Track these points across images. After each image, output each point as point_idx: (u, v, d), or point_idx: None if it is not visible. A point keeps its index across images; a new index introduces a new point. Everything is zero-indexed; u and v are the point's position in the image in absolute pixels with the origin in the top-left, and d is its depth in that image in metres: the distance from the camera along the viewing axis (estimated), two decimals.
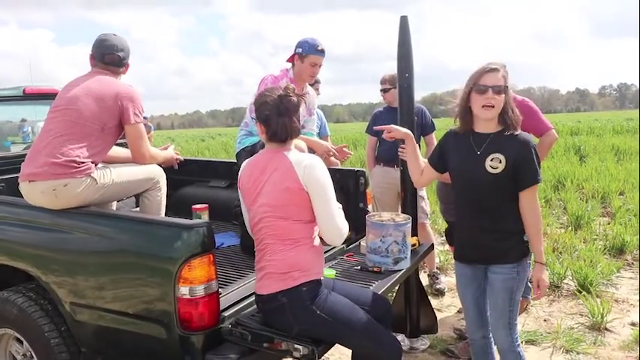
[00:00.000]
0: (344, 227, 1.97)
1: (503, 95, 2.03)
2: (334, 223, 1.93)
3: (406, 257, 2.54)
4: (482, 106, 2.03)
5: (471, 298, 2.28)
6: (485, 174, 2.05)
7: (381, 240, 2.49)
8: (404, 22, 2.84)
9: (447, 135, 2.25)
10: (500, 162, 2.03)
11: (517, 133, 2.07)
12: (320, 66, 3.13)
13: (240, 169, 2.09)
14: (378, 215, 2.69)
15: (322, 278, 2.00)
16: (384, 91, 4.07)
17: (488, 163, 2.04)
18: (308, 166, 1.89)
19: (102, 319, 2.03)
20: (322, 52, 3.08)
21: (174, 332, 1.87)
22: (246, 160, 2.11)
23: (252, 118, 3.12)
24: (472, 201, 2.13)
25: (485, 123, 2.09)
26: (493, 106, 2.02)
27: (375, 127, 2.73)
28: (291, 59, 3.12)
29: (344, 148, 3.13)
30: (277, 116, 1.93)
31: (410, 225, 2.56)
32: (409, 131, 2.49)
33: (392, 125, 2.48)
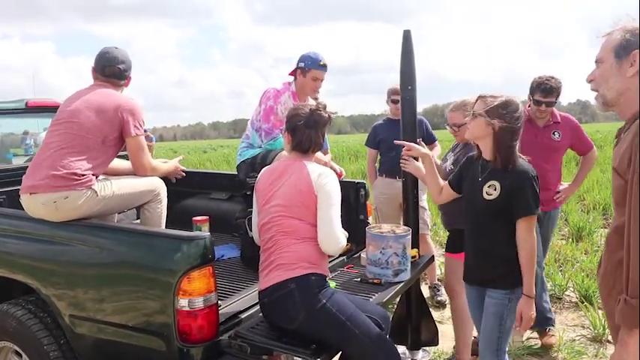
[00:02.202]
0: (341, 238, 2.04)
1: (479, 122, 2.09)
2: (333, 229, 2.01)
3: (406, 269, 2.53)
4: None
5: (480, 319, 2.25)
6: (482, 199, 2.09)
7: (380, 252, 2.49)
8: (407, 35, 2.87)
9: (467, 159, 2.31)
10: (495, 189, 2.06)
11: (518, 164, 2.08)
12: (322, 80, 3.14)
13: (260, 174, 2.23)
14: (378, 227, 2.69)
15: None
16: (393, 102, 3.97)
17: (485, 189, 2.09)
18: (322, 174, 2.05)
19: (101, 332, 2.03)
20: (324, 67, 3.09)
21: (173, 345, 1.86)
22: (266, 167, 2.26)
23: (255, 130, 3.15)
24: (473, 224, 2.18)
25: (484, 150, 2.14)
26: (468, 129, 2.18)
27: (396, 142, 2.69)
28: (292, 73, 3.14)
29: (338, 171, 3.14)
30: (305, 127, 2.11)
31: (410, 237, 2.56)
32: (428, 151, 2.53)
33: (412, 144, 2.55)
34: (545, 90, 3.13)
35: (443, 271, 4.60)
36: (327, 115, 2.16)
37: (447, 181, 2.40)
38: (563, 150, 3.36)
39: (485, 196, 2.07)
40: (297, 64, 3.11)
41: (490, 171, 2.10)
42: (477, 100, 2.15)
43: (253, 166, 3.05)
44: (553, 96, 3.15)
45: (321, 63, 3.08)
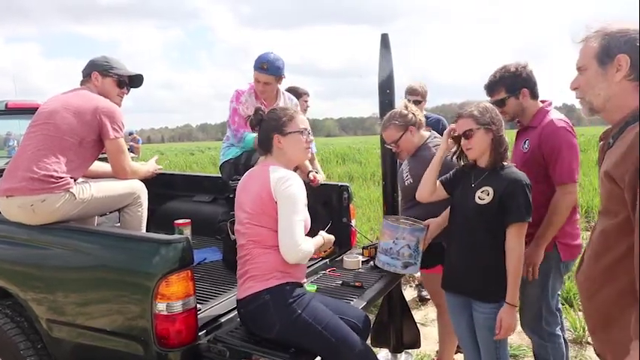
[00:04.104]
0: (303, 246, 1.93)
1: (480, 136, 2.07)
2: (294, 237, 1.91)
3: (416, 263, 2.49)
4: (465, 150, 2.12)
5: (465, 327, 2.25)
6: (474, 205, 2.08)
7: (393, 242, 2.47)
8: (385, 39, 2.89)
9: (463, 165, 2.29)
10: (489, 194, 2.05)
11: (511, 169, 2.10)
12: (267, 84, 3.05)
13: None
14: (396, 218, 2.63)
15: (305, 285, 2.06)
16: (415, 102, 3.37)
17: (477, 194, 2.08)
18: (280, 178, 1.95)
19: (78, 336, 2.01)
20: (263, 69, 3.00)
21: (151, 349, 1.85)
22: (248, 170, 2.23)
23: (233, 131, 3.16)
24: (461, 231, 2.15)
25: (480, 159, 2.13)
26: (470, 149, 2.09)
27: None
28: None
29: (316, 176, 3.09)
30: (258, 130, 2.13)
31: (425, 234, 2.47)
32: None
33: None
34: (486, 88, 2.47)
35: None
36: (260, 117, 2.10)
37: (439, 181, 2.33)
38: (536, 168, 2.29)
39: (478, 201, 2.07)
40: None
41: (484, 177, 2.10)
42: (458, 122, 2.13)
43: (237, 166, 3.06)
44: (497, 92, 2.40)
45: (260, 65, 3.00)
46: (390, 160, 2.95)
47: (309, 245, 1.99)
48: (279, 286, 1.94)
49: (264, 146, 2.09)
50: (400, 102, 2.72)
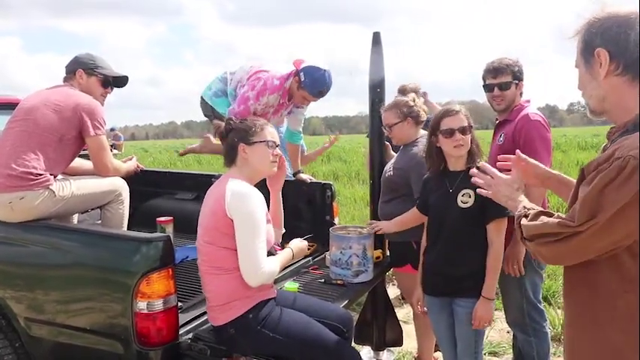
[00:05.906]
0: (265, 267, 1.83)
1: (469, 134, 2.13)
2: (256, 261, 1.81)
3: (367, 270, 2.53)
4: (454, 147, 2.12)
5: (444, 326, 2.27)
6: (457, 209, 2.11)
7: (341, 252, 2.50)
8: (376, 38, 2.89)
9: (425, 179, 2.32)
10: (470, 197, 2.08)
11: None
12: (312, 101, 2.97)
13: None
14: (344, 227, 2.70)
15: (274, 295, 2.00)
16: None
17: (459, 198, 2.11)
18: (235, 194, 1.85)
19: (57, 335, 1.99)
20: (321, 94, 2.88)
21: (131, 348, 1.84)
22: None
23: (232, 95, 3.04)
24: (444, 236, 2.16)
25: (456, 161, 2.17)
26: (463, 145, 2.12)
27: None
28: (295, 72, 2.92)
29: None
30: (223, 142, 2.07)
31: (372, 238, 2.56)
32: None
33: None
34: (491, 70, 2.48)
35: None
36: (225, 128, 2.06)
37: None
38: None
39: (461, 205, 2.10)
40: (300, 69, 2.85)
41: (461, 180, 2.13)
42: (454, 117, 2.12)
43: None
44: (505, 75, 2.45)
45: (318, 91, 2.85)
46: (378, 160, 2.97)
47: (274, 265, 1.88)
48: (241, 317, 1.86)
49: (230, 156, 2.01)
50: (409, 94, 2.75)
